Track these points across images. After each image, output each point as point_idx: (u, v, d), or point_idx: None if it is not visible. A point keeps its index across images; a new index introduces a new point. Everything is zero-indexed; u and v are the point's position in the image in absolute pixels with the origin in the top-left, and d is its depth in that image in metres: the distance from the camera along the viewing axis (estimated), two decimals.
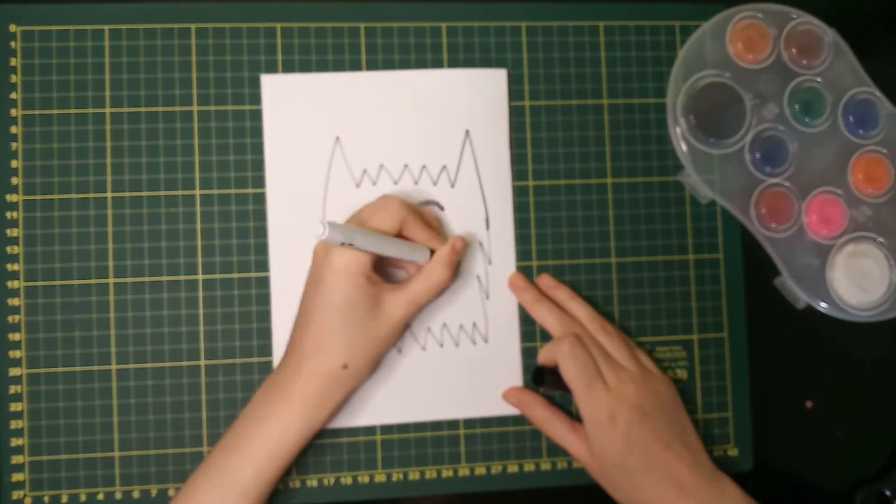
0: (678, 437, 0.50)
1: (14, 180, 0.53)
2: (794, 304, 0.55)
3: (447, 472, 0.54)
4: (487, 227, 0.55)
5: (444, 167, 0.55)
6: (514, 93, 0.56)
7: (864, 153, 0.54)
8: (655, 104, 0.57)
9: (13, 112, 0.53)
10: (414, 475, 0.54)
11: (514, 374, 0.55)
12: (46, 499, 0.52)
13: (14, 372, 0.52)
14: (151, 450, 0.52)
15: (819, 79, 0.54)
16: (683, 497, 0.49)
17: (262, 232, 0.54)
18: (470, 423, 0.54)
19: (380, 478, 0.54)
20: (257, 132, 0.54)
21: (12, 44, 0.53)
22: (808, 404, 0.58)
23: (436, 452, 0.54)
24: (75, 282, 0.53)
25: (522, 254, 0.56)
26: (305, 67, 0.55)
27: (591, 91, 0.57)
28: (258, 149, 0.54)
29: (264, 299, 0.53)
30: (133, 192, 0.53)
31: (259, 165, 0.54)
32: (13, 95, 0.53)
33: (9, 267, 0.52)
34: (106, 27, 0.54)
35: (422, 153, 0.55)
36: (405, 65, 0.56)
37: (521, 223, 0.56)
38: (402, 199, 0.51)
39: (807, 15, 0.55)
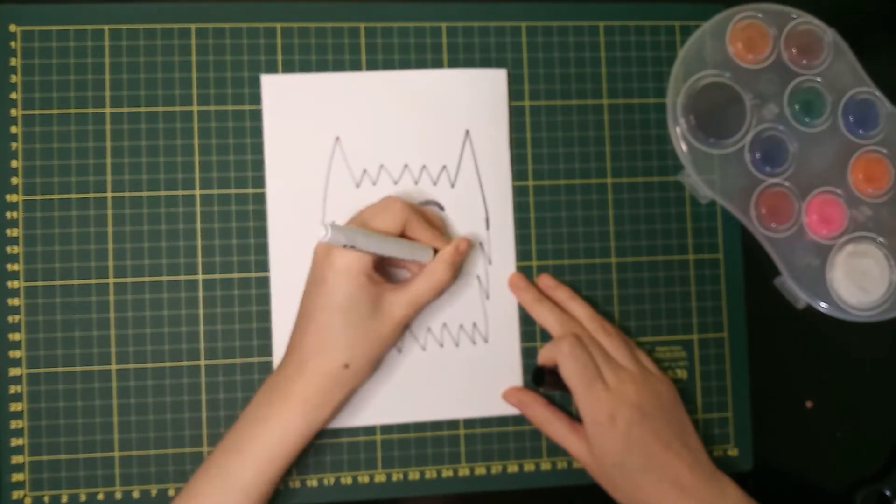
0: (678, 437, 0.50)
1: (14, 180, 0.53)
2: (794, 304, 0.55)
3: (447, 472, 0.54)
4: (487, 227, 0.55)
5: (444, 167, 0.55)
6: (514, 93, 0.56)
7: (864, 153, 0.54)
8: (655, 104, 0.57)
9: (13, 112, 0.53)
10: (414, 475, 0.54)
11: (514, 374, 0.55)
12: (46, 499, 0.52)
13: (14, 372, 0.52)
14: (151, 450, 0.52)
15: (819, 79, 0.54)
16: (683, 497, 0.49)
17: (262, 232, 0.54)
18: (470, 423, 0.54)
19: (380, 478, 0.54)
20: (257, 132, 0.54)
21: (12, 44, 0.53)
22: (808, 404, 0.58)
23: (436, 452, 0.54)
24: (75, 282, 0.53)
25: (522, 254, 0.56)
26: (305, 67, 0.55)
27: (591, 91, 0.57)
28: (258, 149, 0.54)
29: (264, 299, 0.53)
30: (133, 192, 0.53)
31: (259, 165, 0.54)
32: (13, 95, 0.53)
33: (9, 267, 0.52)
34: (106, 27, 0.54)
35: (422, 153, 0.55)
36: (405, 65, 0.55)
37: (521, 223, 0.56)
38: (405, 200, 0.51)
39: (807, 15, 0.55)
